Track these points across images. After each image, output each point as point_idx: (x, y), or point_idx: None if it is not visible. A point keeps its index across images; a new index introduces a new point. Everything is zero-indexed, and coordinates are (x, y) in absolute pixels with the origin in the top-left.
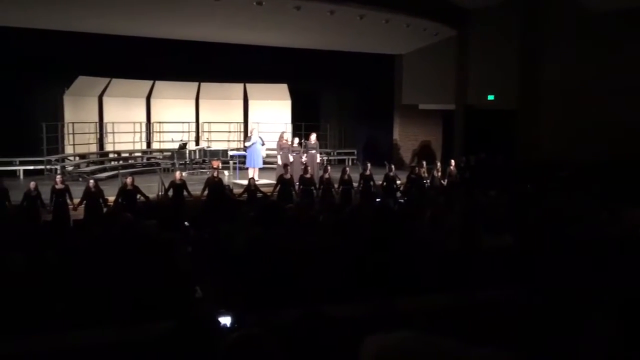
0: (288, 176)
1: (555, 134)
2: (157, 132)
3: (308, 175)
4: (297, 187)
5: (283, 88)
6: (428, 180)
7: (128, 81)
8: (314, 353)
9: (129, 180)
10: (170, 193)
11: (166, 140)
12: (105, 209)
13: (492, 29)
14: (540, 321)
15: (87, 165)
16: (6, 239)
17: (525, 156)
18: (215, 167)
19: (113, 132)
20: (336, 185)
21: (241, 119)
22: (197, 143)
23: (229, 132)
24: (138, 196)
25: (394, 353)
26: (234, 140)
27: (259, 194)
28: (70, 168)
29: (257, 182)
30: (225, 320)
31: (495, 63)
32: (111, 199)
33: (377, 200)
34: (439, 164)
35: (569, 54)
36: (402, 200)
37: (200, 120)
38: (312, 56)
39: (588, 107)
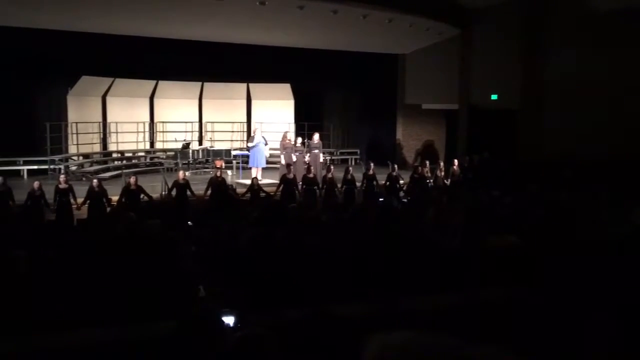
0: (291, 176)
1: (559, 134)
2: (160, 131)
3: (311, 175)
4: (300, 186)
5: (286, 88)
6: (431, 180)
7: (131, 81)
8: (319, 352)
9: (132, 180)
10: (174, 193)
11: (169, 140)
12: (108, 209)
13: (495, 29)
14: (543, 321)
15: (91, 165)
16: (10, 238)
17: (528, 156)
18: (218, 166)
19: (116, 132)
20: (339, 185)
21: (244, 119)
22: (200, 143)
23: (232, 131)
24: (141, 196)
25: (397, 352)
26: (237, 140)
27: (262, 194)
28: (73, 168)
29: (260, 182)
30: (228, 320)
31: (498, 63)
32: (115, 198)
33: (380, 200)
34: (442, 163)
35: (572, 54)
36: (405, 200)
37: (204, 120)
38: (315, 56)
39: (591, 107)
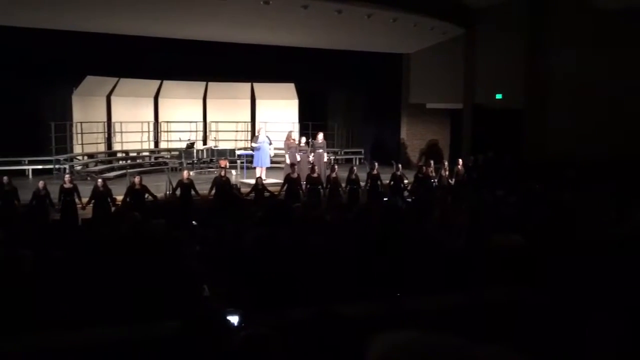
0: (295, 175)
1: (563, 133)
2: (164, 131)
3: (315, 175)
4: (304, 186)
5: (290, 87)
6: (435, 180)
7: (136, 81)
8: (324, 352)
9: (137, 179)
10: (178, 192)
11: (174, 140)
12: (113, 208)
13: (499, 28)
14: (547, 321)
15: (96, 165)
16: (15, 238)
17: (532, 155)
18: (222, 166)
19: (121, 132)
20: (343, 185)
21: (248, 119)
22: (205, 142)
23: (237, 131)
24: (146, 195)
25: (402, 352)
26: (241, 140)
27: (267, 194)
28: (78, 167)
29: (264, 182)
30: (233, 319)
31: (503, 62)
32: (119, 198)
33: (385, 199)
34: (446, 163)
35: (576, 53)
36: (409, 200)
37: (208, 120)
38: (319, 55)
39: (596, 107)
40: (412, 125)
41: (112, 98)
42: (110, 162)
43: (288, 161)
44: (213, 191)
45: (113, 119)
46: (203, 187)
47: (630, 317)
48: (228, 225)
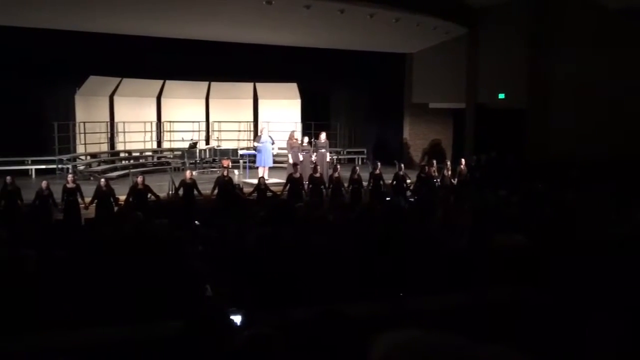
0: (297, 175)
1: (566, 133)
2: (167, 131)
3: (318, 174)
4: (306, 186)
5: (293, 87)
6: (438, 180)
7: (139, 81)
8: (327, 352)
9: (139, 179)
10: (181, 192)
11: (176, 140)
12: (116, 208)
13: (502, 28)
14: (550, 321)
15: (98, 165)
16: (18, 237)
17: (535, 155)
18: (225, 166)
19: (124, 132)
20: (346, 185)
21: (251, 118)
22: (208, 142)
23: (239, 131)
24: (149, 195)
25: (404, 351)
26: (244, 140)
27: (269, 193)
28: (81, 167)
29: (267, 181)
30: (236, 319)
31: (505, 62)
32: (122, 198)
33: (387, 199)
34: (449, 163)
35: (579, 53)
36: (412, 200)
37: (211, 120)
38: (322, 55)
39: (598, 107)
40: (415, 125)
41: (115, 98)
42: (113, 162)
43: (291, 161)
44: (216, 191)
45: (116, 119)
46: (206, 187)
47: (632, 317)
48: (231, 225)
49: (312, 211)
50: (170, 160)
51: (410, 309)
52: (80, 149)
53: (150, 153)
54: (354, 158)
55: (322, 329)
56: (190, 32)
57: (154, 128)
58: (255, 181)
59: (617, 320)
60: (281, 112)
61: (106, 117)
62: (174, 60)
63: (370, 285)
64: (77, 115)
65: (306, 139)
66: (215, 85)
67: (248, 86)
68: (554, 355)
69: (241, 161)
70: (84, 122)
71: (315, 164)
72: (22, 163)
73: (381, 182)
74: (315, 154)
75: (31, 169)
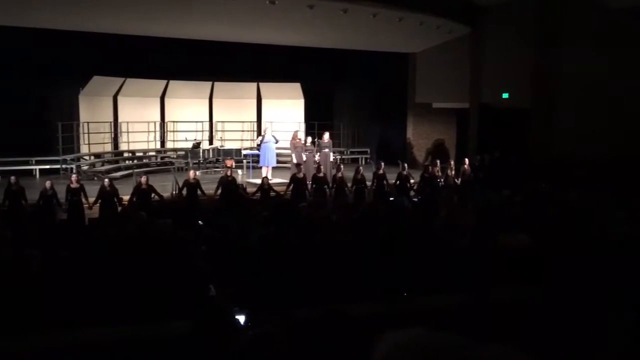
0: (301, 175)
1: (570, 133)
2: (171, 131)
3: (321, 174)
4: (310, 186)
5: (296, 87)
6: (441, 180)
7: (142, 81)
8: (331, 351)
9: (143, 179)
10: (184, 192)
11: (180, 140)
12: (119, 208)
13: (506, 27)
14: (553, 321)
15: (102, 165)
16: (23, 237)
17: (539, 155)
18: (228, 166)
19: (127, 132)
20: (349, 184)
21: (254, 118)
22: (211, 142)
23: (243, 131)
24: (152, 195)
25: (407, 351)
26: (247, 140)
27: (272, 193)
28: (85, 167)
29: (270, 181)
30: (239, 319)
31: (509, 61)
32: (126, 198)
33: (391, 199)
34: (452, 163)
35: (583, 52)
36: (415, 200)
37: (214, 120)
38: (325, 55)
39: (603, 106)
40: (418, 124)
41: (119, 98)
42: (116, 162)
43: (294, 161)
44: (219, 191)
45: (119, 119)
46: (209, 187)
47: (635, 316)
48: (234, 225)
49: (315, 211)
50: (173, 160)
51: (413, 308)
52: (84, 149)
53: (153, 153)
54: (357, 158)
55: (326, 329)
56: (193, 32)
57: (158, 128)
58: (258, 181)
59: (620, 320)
60: (284, 112)
61: (110, 117)
62: (178, 60)
63: (373, 285)
64: (81, 116)
65: (309, 139)
66: (218, 85)
67: (251, 86)
68: (557, 355)
69: (244, 161)
70: (88, 122)
71: (319, 164)
72: (26, 163)
73: (384, 182)
74: (318, 153)
75: (35, 169)
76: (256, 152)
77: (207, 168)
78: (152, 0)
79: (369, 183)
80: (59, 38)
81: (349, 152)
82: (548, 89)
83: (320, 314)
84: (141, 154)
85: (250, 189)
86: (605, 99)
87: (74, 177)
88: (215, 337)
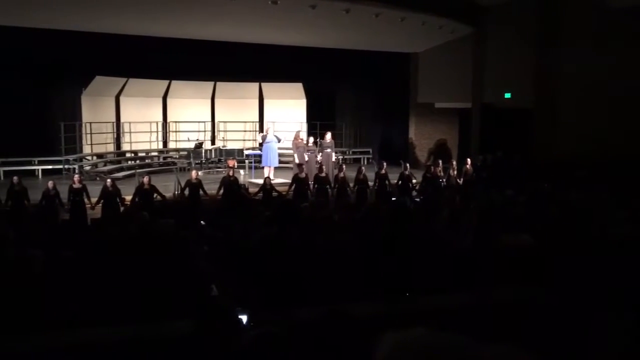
0: (303, 175)
1: (572, 133)
2: (173, 131)
3: (323, 175)
4: (312, 186)
5: (298, 87)
6: (444, 180)
7: (145, 81)
8: (333, 351)
9: (145, 179)
10: (187, 192)
11: (182, 140)
12: (122, 208)
13: (508, 27)
14: (555, 321)
15: (105, 165)
16: (25, 237)
17: (542, 155)
18: (230, 166)
19: (130, 132)
20: (351, 184)
21: (257, 118)
22: (213, 142)
23: (245, 131)
24: (155, 195)
25: (409, 351)
26: (249, 140)
27: (274, 193)
28: (87, 167)
29: (272, 181)
30: (241, 318)
31: (512, 61)
32: (128, 198)
33: (393, 199)
34: (454, 162)
35: (586, 52)
36: (417, 200)
37: (216, 120)
38: (327, 55)
39: (605, 106)
40: (421, 124)
41: (121, 98)
42: (119, 162)
43: (296, 161)
44: (221, 191)
45: (122, 119)
46: (211, 187)
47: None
48: (236, 225)
49: (317, 211)
50: (176, 161)
51: (415, 308)
52: (86, 149)
53: (156, 153)
54: (360, 158)
55: (328, 329)
56: (195, 32)
57: (160, 128)
58: (260, 181)
59: (620, 320)
60: (287, 112)
61: (112, 118)
62: (180, 60)
63: (375, 285)
64: (83, 116)
65: (311, 139)
66: (220, 85)
67: (253, 86)
68: (558, 355)
69: (247, 161)
70: (90, 123)
71: (321, 164)
72: (29, 163)
73: (387, 182)
74: (320, 154)
75: (38, 169)
76: (258, 152)
77: (210, 168)
78: (153, 0)
79: (371, 183)
80: (62, 38)
81: (351, 152)
82: (550, 89)
83: (322, 314)
84: (143, 154)
85: (252, 189)
86: (605, 99)
87: (76, 177)
88: (217, 337)
